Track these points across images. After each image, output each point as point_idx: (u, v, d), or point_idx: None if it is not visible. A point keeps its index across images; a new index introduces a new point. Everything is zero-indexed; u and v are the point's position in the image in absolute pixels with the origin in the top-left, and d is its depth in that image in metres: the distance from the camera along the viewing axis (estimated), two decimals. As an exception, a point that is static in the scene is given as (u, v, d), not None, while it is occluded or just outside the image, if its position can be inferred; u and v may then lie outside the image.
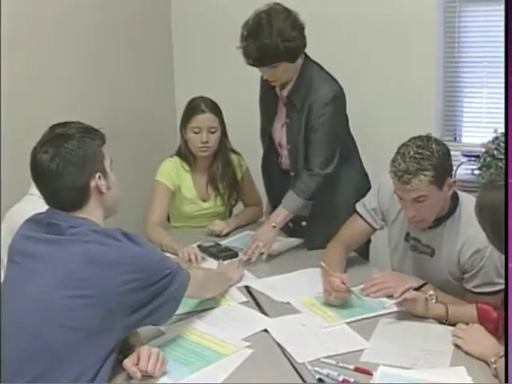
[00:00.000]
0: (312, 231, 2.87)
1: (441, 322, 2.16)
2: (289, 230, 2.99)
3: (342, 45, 3.55)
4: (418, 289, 2.20)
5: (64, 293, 1.74)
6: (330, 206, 2.84)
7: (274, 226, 2.75)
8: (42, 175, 1.86)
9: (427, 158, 2.17)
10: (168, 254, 2.61)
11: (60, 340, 1.72)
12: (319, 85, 2.71)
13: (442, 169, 2.19)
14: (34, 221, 1.92)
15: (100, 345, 1.76)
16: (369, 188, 2.86)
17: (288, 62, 2.65)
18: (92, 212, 1.89)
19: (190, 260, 2.66)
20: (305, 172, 2.76)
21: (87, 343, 1.74)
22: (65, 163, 1.83)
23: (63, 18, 3.20)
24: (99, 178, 1.89)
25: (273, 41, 2.58)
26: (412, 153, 2.18)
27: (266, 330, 2.12)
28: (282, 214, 2.78)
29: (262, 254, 2.70)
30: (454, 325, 2.08)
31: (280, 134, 2.90)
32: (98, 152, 1.92)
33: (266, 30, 2.59)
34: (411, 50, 3.43)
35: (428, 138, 2.24)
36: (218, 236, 3.01)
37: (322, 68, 2.80)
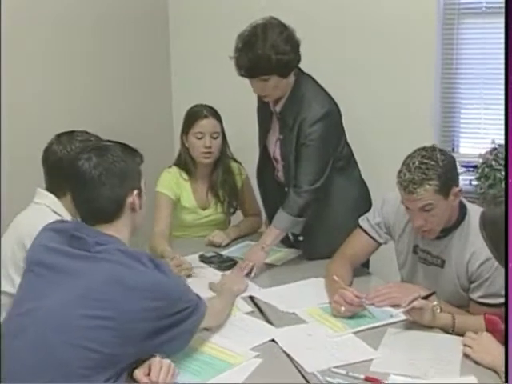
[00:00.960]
0: (310, 244, 2.86)
1: (447, 332, 2.16)
2: (288, 241, 2.98)
3: (340, 57, 3.57)
4: (425, 298, 2.21)
5: (82, 312, 1.71)
6: (327, 219, 2.83)
7: (263, 248, 2.72)
8: (81, 182, 1.85)
9: (432, 167, 2.19)
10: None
11: (73, 359, 1.69)
12: (310, 103, 2.70)
13: (447, 178, 2.21)
14: (56, 230, 1.89)
15: (112, 366, 1.73)
16: (368, 200, 2.89)
17: (279, 76, 2.64)
18: (121, 229, 1.88)
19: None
20: (292, 189, 2.74)
21: (99, 364, 1.71)
22: (107, 173, 1.83)
23: (59, 27, 3.20)
24: (136, 195, 1.89)
25: (265, 52, 2.58)
26: (417, 163, 2.20)
27: (273, 340, 2.12)
28: (272, 234, 2.76)
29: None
30: (461, 335, 2.08)
31: (274, 147, 2.90)
32: (138, 169, 1.93)
33: (259, 41, 2.60)
34: (409, 61, 3.45)
35: (433, 148, 2.27)
36: (219, 247, 3.00)
37: (316, 83, 2.80)
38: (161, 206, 3.05)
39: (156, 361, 1.81)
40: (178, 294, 1.86)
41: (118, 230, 1.88)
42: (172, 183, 3.09)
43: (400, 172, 2.23)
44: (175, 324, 1.83)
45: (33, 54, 3.10)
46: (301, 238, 2.88)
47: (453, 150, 3.63)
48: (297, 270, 2.74)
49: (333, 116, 2.75)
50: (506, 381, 1.65)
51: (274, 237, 2.77)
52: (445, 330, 2.17)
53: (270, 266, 2.79)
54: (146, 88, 3.83)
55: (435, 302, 2.19)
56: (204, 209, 3.14)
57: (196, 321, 1.92)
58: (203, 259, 2.85)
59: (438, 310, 2.18)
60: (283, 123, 2.80)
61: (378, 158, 3.41)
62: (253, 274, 2.65)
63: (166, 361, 1.82)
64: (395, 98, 3.52)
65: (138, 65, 3.76)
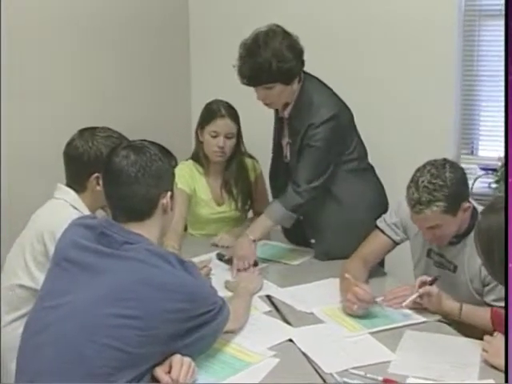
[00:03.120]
0: (323, 246, 2.85)
1: (454, 320, 2.18)
2: (301, 244, 2.98)
3: (359, 60, 3.56)
4: (431, 284, 2.25)
5: (109, 310, 1.71)
6: (340, 220, 2.82)
7: (254, 241, 2.71)
8: (117, 178, 1.84)
9: (440, 188, 2.17)
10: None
11: (96, 357, 1.68)
12: (317, 108, 2.69)
13: (456, 197, 2.20)
14: (85, 226, 1.88)
15: (136, 366, 1.72)
16: (383, 201, 2.88)
17: (282, 83, 2.64)
18: (150, 229, 1.87)
19: None
20: (291, 185, 2.73)
21: (123, 363, 1.70)
22: (144, 171, 1.83)
23: (78, 26, 3.21)
24: (169, 196, 1.89)
25: (267, 60, 2.58)
26: (425, 182, 2.19)
27: (290, 340, 2.12)
28: (262, 225, 2.76)
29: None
30: (470, 325, 2.11)
31: (286, 150, 2.91)
32: (172, 171, 1.94)
33: (261, 49, 2.59)
34: (430, 63, 3.44)
35: (443, 164, 2.24)
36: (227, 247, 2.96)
37: (323, 86, 2.79)
38: (175, 200, 3.02)
39: (177, 359, 1.80)
40: (204, 295, 1.86)
41: (148, 230, 1.87)
42: (187, 176, 3.08)
43: (409, 188, 2.22)
44: (200, 326, 1.83)
45: (59, 53, 3.11)
46: (312, 241, 2.88)
47: (472, 152, 3.62)
48: (314, 269, 2.74)
49: (340, 118, 2.73)
50: (506, 381, 1.64)
51: (264, 227, 2.76)
52: (451, 318, 2.19)
53: (287, 265, 2.79)
54: (165, 85, 3.84)
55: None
56: (219, 204, 3.14)
57: (220, 324, 1.91)
58: (220, 257, 2.85)
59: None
60: (291, 128, 2.81)
61: (397, 161, 3.40)
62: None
63: (187, 359, 1.81)
64: (415, 100, 3.50)
65: (158, 62, 3.77)
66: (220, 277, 2.64)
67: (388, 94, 3.53)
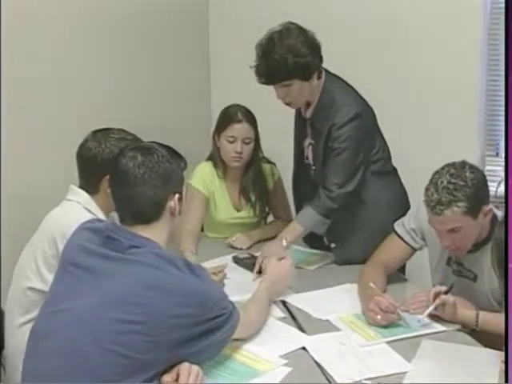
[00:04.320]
0: (343, 250, 2.79)
1: (471, 329, 2.11)
2: (322, 247, 2.92)
3: (382, 58, 3.49)
4: (445, 293, 2.19)
5: (114, 315, 1.68)
6: (361, 224, 2.77)
7: (284, 243, 2.65)
8: (123, 179, 1.82)
9: (460, 188, 2.11)
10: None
11: (102, 363, 1.66)
12: (340, 107, 2.63)
13: (477, 198, 2.13)
14: (92, 230, 1.86)
15: (142, 372, 1.69)
16: (406, 206, 2.80)
17: (300, 79, 2.58)
18: (158, 232, 1.84)
19: None
20: (322, 190, 2.68)
21: (130, 370, 1.67)
22: (151, 173, 1.80)
23: (98, 28, 3.20)
24: (177, 199, 1.86)
25: (282, 56, 2.53)
26: (445, 182, 2.12)
27: (303, 348, 2.06)
28: (294, 231, 2.71)
29: None
30: (489, 333, 2.05)
31: (307, 151, 2.86)
32: (181, 174, 1.90)
33: (276, 46, 2.55)
34: (454, 63, 3.36)
35: (462, 165, 2.18)
36: (240, 249, 2.94)
37: (345, 85, 2.74)
38: (192, 201, 2.98)
39: (185, 366, 1.77)
40: (213, 300, 1.81)
41: (155, 234, 1.84)
42: (206, 178, 3.05)
43: (427, 190, 2.16)
44: (208, 333, 1.79)
45: (80, 53, 3.09)
46: (333, 245, 2.82)
47: (497, 154, 3.52)
48: (331, 275, 2.68)
49: (363, 118, 2.67)
50: (506, 381, 1.58)
51: (296, 233, 2.71)
52: (468, 327, 2.13)
53: (304, 270, 2.73)
54: (185, 87, 3.81)
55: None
56: (237, 210, 3.10)
57: (229, 330, 1.86)
58: (236, 260, 2.81)
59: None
60: (314, 129, 2.76)
61: (419, 162, 3.31)
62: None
63: (195, 367, 1.78)
64: (439, 101, 3.42)
65: (177, 64, 3.74)
66: (236, 281, 2.59)
67: (412, 95, 3.45)
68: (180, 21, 3.73)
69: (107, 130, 2.31)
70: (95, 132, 2.32)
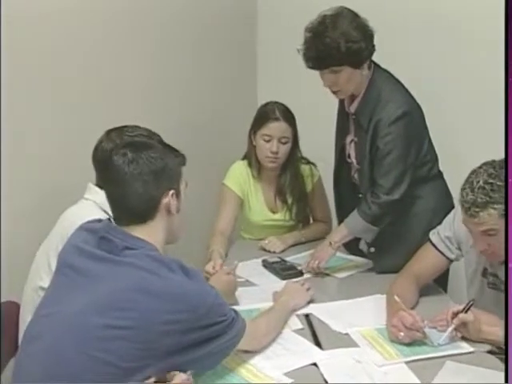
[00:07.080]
0: (381, 257, 2.64)
1: (499, 348, 1.92)
2: (359, 253, 2.78)
3: (430, 57, 3.28)
4: (466, 311, 2.02)
5: (100, 321, 1.60)
6: (403, 231, 2.61)
7: (331, 244, 2.58)
8: (114, 178, 1.75)
9: (498, 189, 1.93)
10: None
11: (87, 370, 1.58)
12: (387, 102, 2.48)
13: None
14: (89, 231, 1.80)
15: (129, 379, 1.60)
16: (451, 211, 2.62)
17: (351, 66, 2.44)
18: (154, 232, 1.77)
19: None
20: (369, 195, 2.54)
21: (116, 377, 1.59)
22: (142, 169, 1.73)
23: (142, 18, 3.13)
24: (172, 195, 1.77)
25: (334, 40, 2.40)
26: (481, 182, 1.95)
27: (314, 364, 1.93)
28: (341, 233, 2.62)
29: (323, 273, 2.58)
30: None
31: (349, 149, 2.71)
32: (178, 170, 1.82)
33: (328, 29, 2.42)
34: (480, 59, 3.10)
35: (502, 164, 1.98)
36: (274, 252, 2.83)
37: (394, 80, 2.58)
38: (225, 201, 2.92)
39: (177, 378, 1.67)
40: (207, 305, 1.69)
41: (151, 233, 1.76)
42: (240, 178, 2.96)
43: (462, 190, 1.99)
44: (206, 341, 1.69)
45: (126, 51, 3.04)
46: (372, 250, 2.67)
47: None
48: (360, 284, 2.55)
49: (412, 117, 2.51)
50: (506, 381, 1.49)
51: (343, 236, 2.62)
52: (496, 345, 1.95)
53: (331, 277, 2.61)
54: (232, 86, 3.74)
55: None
56: (273, 212, 2.99)
57: (230, 341, 1.76)
58: (265, 264, 2.71)
59: None
60: (358, 124, 2.61)
61: (465, 165, 3.11)
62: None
63: (187, 379, 1.68)
64: (467, 100, 3.18)
65: (225, 63, 3.68)
66: (261, 287, 2.50)
67: (460, 94, 3.23)
68: (227, 16, 3.66)
69: (121, 128, 2.26)
70: (109, 131, 2.27)
